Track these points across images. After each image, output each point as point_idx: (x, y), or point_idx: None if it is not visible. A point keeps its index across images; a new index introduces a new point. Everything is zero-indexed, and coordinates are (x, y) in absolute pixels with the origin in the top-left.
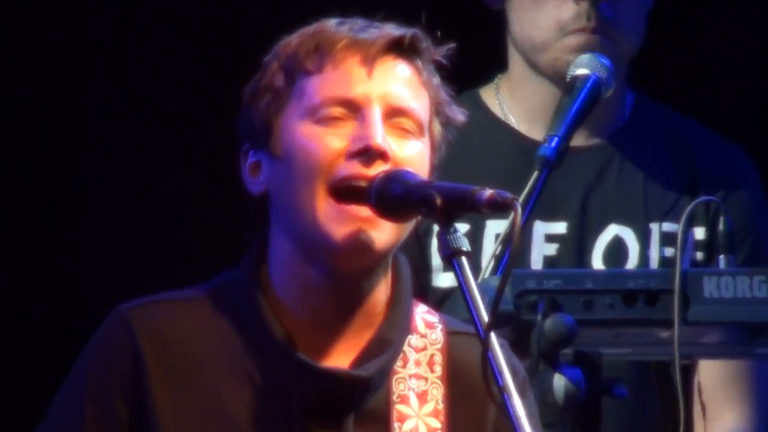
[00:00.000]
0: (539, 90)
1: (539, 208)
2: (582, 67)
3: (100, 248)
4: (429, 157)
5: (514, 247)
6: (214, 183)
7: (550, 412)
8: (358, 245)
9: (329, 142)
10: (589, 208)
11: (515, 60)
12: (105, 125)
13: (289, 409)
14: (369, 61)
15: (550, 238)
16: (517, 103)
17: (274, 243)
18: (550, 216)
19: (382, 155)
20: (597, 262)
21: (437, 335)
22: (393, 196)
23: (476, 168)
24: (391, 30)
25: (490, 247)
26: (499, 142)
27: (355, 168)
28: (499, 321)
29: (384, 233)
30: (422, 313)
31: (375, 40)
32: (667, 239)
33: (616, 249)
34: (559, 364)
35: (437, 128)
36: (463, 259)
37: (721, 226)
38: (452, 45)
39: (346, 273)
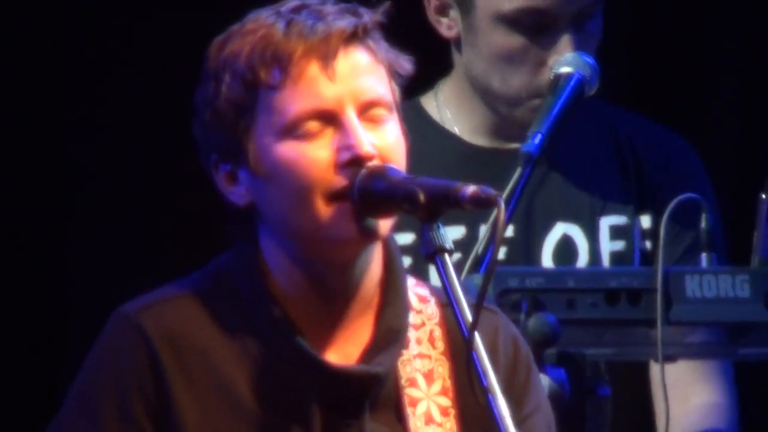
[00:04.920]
0: (488, 114)
1: (484, 213)
2: (566, 66)
3: (83, 245)
4: (399, 124)
5: (498, 244)
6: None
7: None
8: (365, 234)
9: (316, 156)
10: (534, 208)
11: (463, 84)
12: (87, 113)
13: (307, 403)
14: (329, 64)
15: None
16: (462, 117)
17: (264, 240)
18: None
19: (370, 160)
20: (547, 262)
21: (432, 309)
22: (376, 193)
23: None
24: (337, 18)
25: None
26: (439, 148)
27: (350, 178)
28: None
29: (385, 221)
30: (413, 287)
31: (328, 38)
32: (615, 232)
33: (565, 247)
34: (543, 364)
35: (395, 88)
36: (446, 256)
37: (703, 224)
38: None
39: (345, 260)
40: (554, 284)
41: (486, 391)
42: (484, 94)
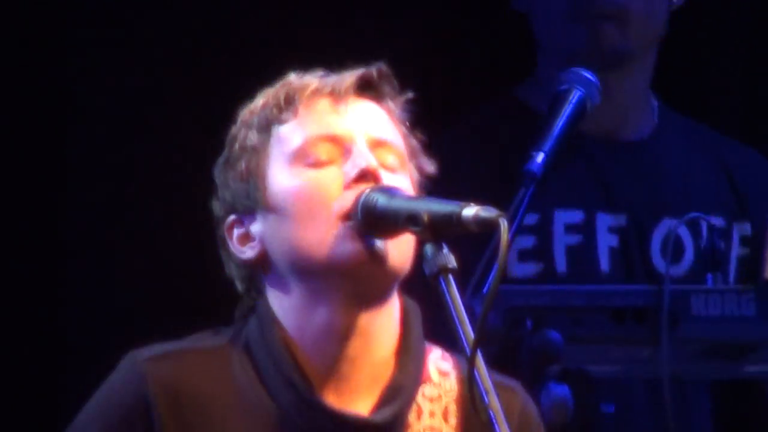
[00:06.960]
0: None
1: (599, 199)
2: (567, 83)
3: (81, 287)
4: (413, 187)
5: (501, 264)
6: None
7: None
8: (372, 254)
9: (325, 180)
10: (646, 200)
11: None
12: (87, 158)
13: None
14: (341, 101)
15: (612, 230)
16: None
17: (276, 297)
18: (611, 208)
19: (376, 175)
20: (655, 255)
21: (451, 384)
22: (379, 211)
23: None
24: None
25: (560, 236)
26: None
27: (357, 197)
28: (486, 338)
29: (396, 247)
30: (436, 360)
31: (343, 80)
32: (716, 232)
33: (673, 242)
34: (547, 381)
35: (414, 173)
36: (450, 276)
37: (708, 244)
38: (410, 94)
39: (357, 293)
40: (560, 302)
41: (487, 408)
42: (546, 46)
